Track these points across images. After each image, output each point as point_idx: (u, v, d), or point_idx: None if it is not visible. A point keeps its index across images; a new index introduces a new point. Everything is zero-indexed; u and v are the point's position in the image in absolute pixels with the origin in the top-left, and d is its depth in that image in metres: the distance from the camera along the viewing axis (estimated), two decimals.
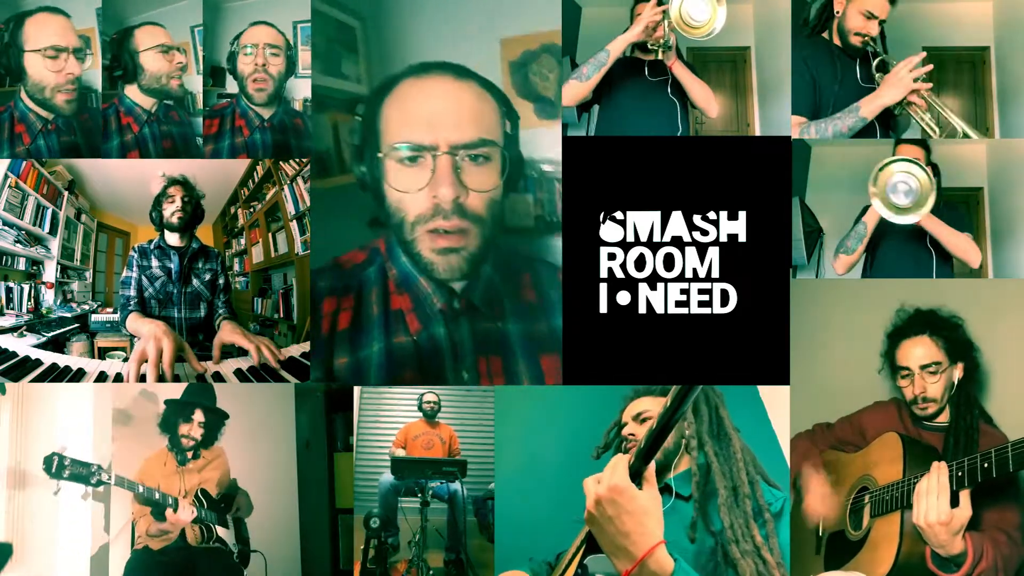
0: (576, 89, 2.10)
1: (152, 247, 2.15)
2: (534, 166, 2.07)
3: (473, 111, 1.87)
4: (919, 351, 2.00)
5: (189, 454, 2.13)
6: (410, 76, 1.90)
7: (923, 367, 1.99)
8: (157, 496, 2.05)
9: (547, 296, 2.01)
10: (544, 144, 2.07)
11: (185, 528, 2.07)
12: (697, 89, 2.16)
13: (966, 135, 2.06)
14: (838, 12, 2.14)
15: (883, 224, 2.10)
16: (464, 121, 1.85)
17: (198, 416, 2.12)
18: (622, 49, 2.11)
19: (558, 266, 2.02)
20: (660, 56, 2.13)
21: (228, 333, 2.10)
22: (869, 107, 2.08)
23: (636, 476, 1.25)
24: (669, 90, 2.17)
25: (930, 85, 2.06)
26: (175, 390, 2.10)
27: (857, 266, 2.14)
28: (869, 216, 2.10)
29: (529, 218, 2.08)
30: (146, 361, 1.99)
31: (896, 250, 2.12)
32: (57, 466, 1.94)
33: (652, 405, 1.82)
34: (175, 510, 2.05)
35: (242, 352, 2.08)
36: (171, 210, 2.12)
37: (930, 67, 2.05)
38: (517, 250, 2.05)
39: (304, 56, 2.15)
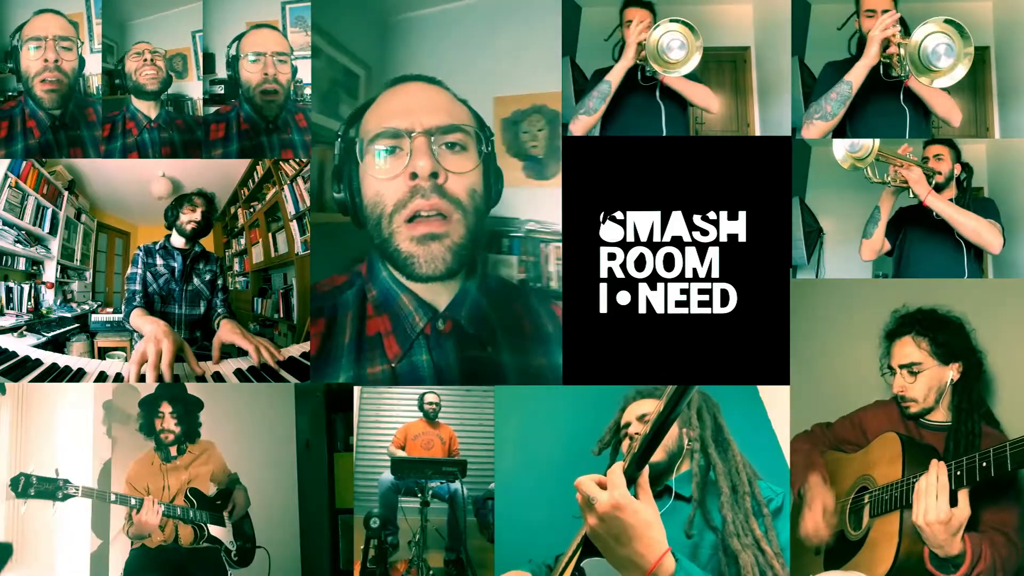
0: (584, 123, 2.13)
1: (157, 248, 2.17)
2: (518, 225, 2.08)
3: (445, 104, 1.85)
4: (903, 351, 2.01)
5: (173, 450, 2.13)
6: (386, 89, 1.90)
7: (902, 366, 2.00)
8: (133, 501, 2.05)
9: (542, 328, 1.97)
10: (531, 204, 2.08)
11: (178, 528, 2.08)
12: (694, 91, 2.16)
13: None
14: (858, 30, 2.15)
15: (909, 214, 2.11)
16: (437, 109, 1.83)
17: (165, 408, 2.12)
18: (621, 77, 2.13)
19: (555, 296, 2.00)
20: (649, 72, 2.15)
21: (227, 333, 2.10)
22: (853, 73, 2.08)
23: (630, 481, 1.25)
24: (657, 94, 2.17)
25: (899, 29, 2.04)
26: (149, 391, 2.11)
27: (867, 266, 2.15)
28: (883, 200, 2.11)
29: (512, 281, 2.08)
30: (146, 362, 1.98)
31: (925, 244, 2.11)
32: (23, 485, 1.94)
33: (652, 407, 1.82)
34: (138, 511, 2.05)
35: (242, 352, 2.08)
36: (188, 218, 2.15)
37: (897, 15, 2.04)
38: (506, 279, 2.02)
39: (294, 38, 2.14)
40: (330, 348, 1.88)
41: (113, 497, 2.05)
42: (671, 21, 2.08)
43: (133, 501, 2.06)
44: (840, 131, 2.11)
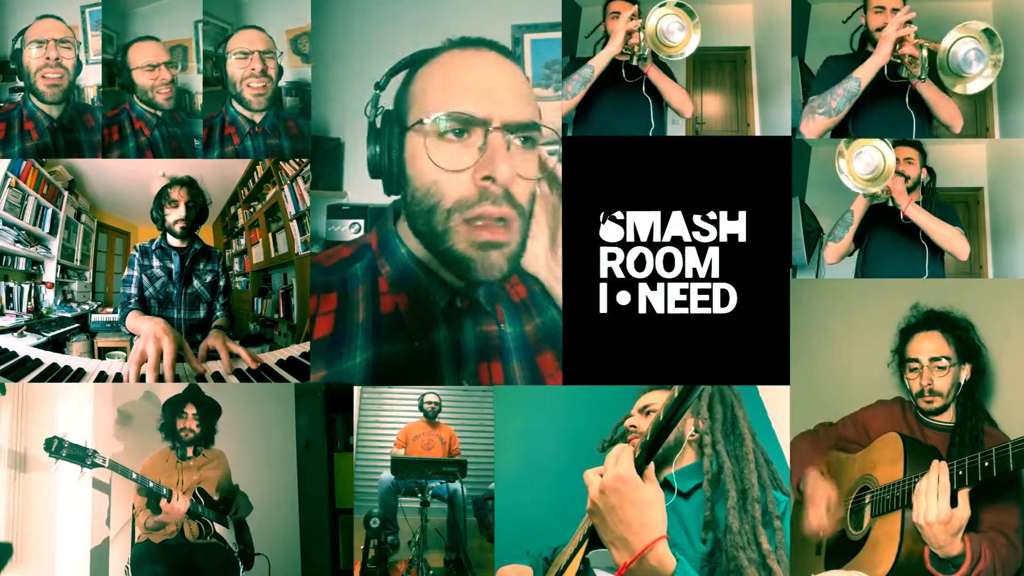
0: (563, 106, 2.12)
1: (153, 247, 2.14)
2: None
3: (522, 89, 1.68)
4: (930, 344, 2.00)
5: (190, 450, 2.14)
6: (450, 49, 1.70)
7: (932, 359, 1.99)
8: (151, 484, 2.06)
9: (533, 293, 1.90)
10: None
11: (184, 523, 2.08)
12: (674, 92, 2.18)
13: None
14: (863, 26, 2.16)
15: (873, 216, 2.12)
16: (517, 99, 1.65)
17: (190, 409, 2.13)
18: (605, 64, 2.13)
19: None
20: (635, 63, 2.16)
21: (212, 339, 2.10)
22: (863, 70, 2.08)
23: (637, 472, 1.24)
24: (643, 88, 2.19)
25: (915, 28, 2.05)
26: (175, 392, 2.11)
27: (849, 264, 2.16)
28: (856, 204, 2.12)
29: None
30: (146, 362, 1.98)
31: (888, 245, 2.13)
32: (56, 446, 1.99)
33: (658, 398, 1.81)
34: (169, 500, 2.06)
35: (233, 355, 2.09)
36: (174, 217, 2.10)
37: (913, 14, 2.05)
38: None
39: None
40: (344, 326, 1.74)
41: (135, 475, 2.05)
42: (665, 5, 2.08)
43: (165, 490, 2.07)
44: (842, 130, 2.11)
